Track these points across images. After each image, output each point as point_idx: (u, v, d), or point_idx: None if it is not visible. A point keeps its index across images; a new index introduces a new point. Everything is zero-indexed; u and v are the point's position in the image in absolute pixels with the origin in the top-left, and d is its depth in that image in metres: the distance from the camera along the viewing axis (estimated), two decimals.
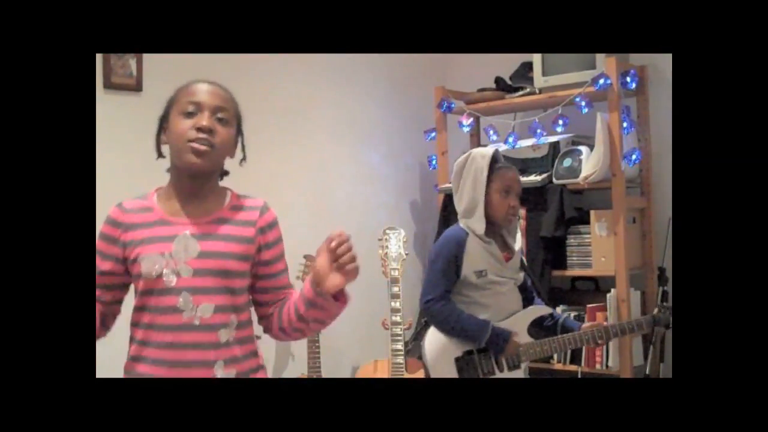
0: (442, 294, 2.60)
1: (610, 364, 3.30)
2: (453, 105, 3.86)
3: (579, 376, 3.34)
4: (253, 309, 1.85)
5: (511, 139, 3.70)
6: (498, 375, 2.60)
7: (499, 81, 3.83)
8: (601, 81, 3.31)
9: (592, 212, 3.41)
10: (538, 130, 3.58)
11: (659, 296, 3.25)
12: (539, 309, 2.74)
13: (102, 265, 1.78)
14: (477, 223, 2.62)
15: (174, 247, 1.71)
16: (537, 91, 3.63)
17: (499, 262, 2.64)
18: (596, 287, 3.58)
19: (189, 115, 1.73)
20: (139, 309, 1.75)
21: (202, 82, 1.78)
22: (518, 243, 2.77)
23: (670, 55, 1.88)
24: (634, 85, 3.40)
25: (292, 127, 3.59)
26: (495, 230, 2.67)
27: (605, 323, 2.73)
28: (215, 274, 1.71)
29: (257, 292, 1.82)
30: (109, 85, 2.95)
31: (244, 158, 1.88)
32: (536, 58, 3.63)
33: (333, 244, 1.66)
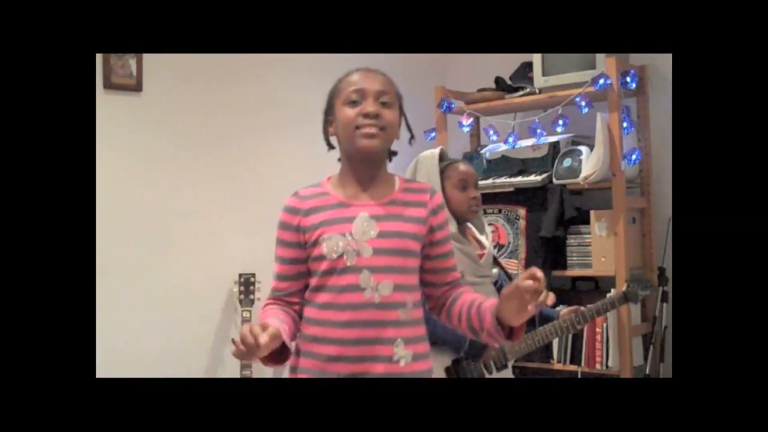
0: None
1: (610, 364, 3.30)
2: (453, 105, 3.85)
3: (579, 376, 3.34)
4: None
5: (511, 139, 3.70)
6: (488, 377, 2.59)
7: (499, 81, 3.82)
8: (601, 81, 3.30)
9: (592, 212, 3.41)
10: (538, 130, 3.58)
11: (659, 296, 3.26)
12: None
13: (286, 253, 1.81)
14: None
15: (354, 227, 1.75)
16: (537, 91, 3.63)
17: (474, 261, 2.63)
18: (596, 287, 3.58)
19: (353, 103, 1.77)
20: (316, 289, 1.77)
21: (361, 70, 1.83)
22: (488, 237, 2.76)
23: (670, 55, 1.88)
24: (634, 85, 3.40)
25: (291, 127, 3.59)
26: (463, 228, 2.66)
27: (581, 308, 2.75)
28: (394, 253, 1.75)
29: (426, 272, 1.85)
30: (109, 85, 2.95)
31: (412, 137, 1.92)
32: (536, 58, 3.63)
33: (531, 284, 1.60)
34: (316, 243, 1.75)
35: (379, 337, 1.72)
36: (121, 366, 2.81)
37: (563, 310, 2.74)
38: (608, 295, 3.00)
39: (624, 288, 2.86)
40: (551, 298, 1.89)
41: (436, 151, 2.68)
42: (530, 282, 1.58)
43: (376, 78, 1.81)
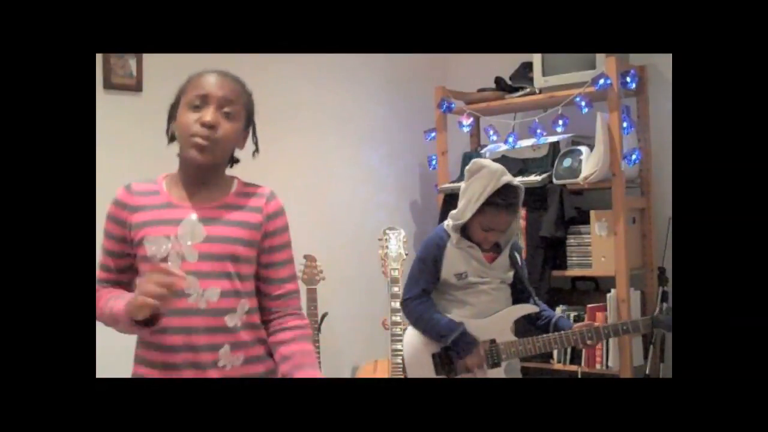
0: (419, 293, 2.64)
1: (610, 364, 3.30)
2: (453, 105, 3.86)
3: (579, 376, 3.34)
4: None
5: (511, 139, 3.70)
6: (477, 374, 2.59)
7: (499, 81, 3.83)
8: (601, 81, 3.31)
9: (592, 212, 3.41)
10: (538, 130, 3.58)
11: (659, 296, 3.25)
12: (524, 308, 2.70)
13: (111, 246, 1.79)
14: (454, 232, 2.62)
15: (180, 230, 1.71)
16: (537, 91, 3.63)
17: (480, 263, 2.63)
18: (596, 287, 3.58)
19: (195, 108, 1.73)
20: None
21: (212, 73, 1.78)
22: (507, 245, 2.70)
23: (670, 55, 1.88)
24: (634, 85, 3.40)
25: (292, 127, 3.59)
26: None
27: (596, 324, 2.67)
28: (221, 259, 1.71)
29: (260, 280, 1.81)
30: (109, 85, 2.95)
31: (256, 150, 1.87)
32: (536, 58, 3.63)
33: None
34: (140, 242, 1.72)
35: (205, 344, 1.69)
36: (121, 366, 2.81)
37: (577, 324, 2.64)
38: (642, 317, 2.75)
39: (656, 312, 2.66)
40: None
41: (505, 179, 2.54)
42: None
43: (225, 85, 1.75)
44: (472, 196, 2.57)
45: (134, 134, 3.04)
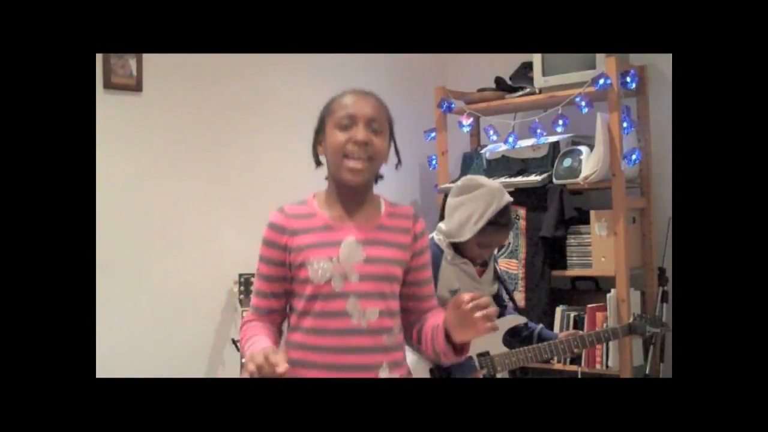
0: None
1: (610, 364, 3.30)
2: (453, 105, 3.85)
3: (579, 376, 3.34)
4: None
5: (511, 139, 3.70)
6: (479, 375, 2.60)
7: (499, 81, 3.82)
8: (601, 81, 3.30)
9: (592, 212, 3.41)
10: (538, 130, 3.58)
11: (659, 296, 3.25)
12: (513, 319, 2.75)
13: (270, 271, 1.79)
14: (448, 249, 2.62)
15: (341, 252, 1.73)
16: (537, 91, 3.63)
17: (473, 279, 2.64)
18: (596, 287, 3.58)
19: (344, 128, 1.75)
20: (302, 313, 1.75)
21: (355, 93, 1.81)
22: (491, 257, 2.73)
23: (670, 55, 1.88)
24: (634, 85, 3.40)
25: (292, 127, 3.58)
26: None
27: (580, 332, 2.72)
28: (380, 279, 1.74)
29: (404, 298, 1.84)
30: (109, 85, 2.95)
31: (399, 162, 1.88)
32: (536, 58, 3.63)
33: (464, 307, 1.64)
34: (301, 265, 1.73)
35: (366, 364, 1.72)
36: (121, 366, 2.81)
37: (563, 333, 2.72)
38: (619, 325, 2.86)
39: (631, 319, 2.80)
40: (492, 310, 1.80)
41: (506, 200, 2.55)
42: (468, 296, 1.61)
43: (369, 103, 1.79)
44: (471, 215, 2.54)
45: (134, 134, 3.04)
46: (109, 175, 2.88)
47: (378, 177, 1.85)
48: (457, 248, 2.61)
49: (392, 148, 1.86)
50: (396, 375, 1.76)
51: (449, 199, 2.67)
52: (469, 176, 2.69)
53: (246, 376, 1.56)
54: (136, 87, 3.03)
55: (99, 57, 2.91)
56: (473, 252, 2.60)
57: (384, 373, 1.73)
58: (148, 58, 3.05)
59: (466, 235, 2.55)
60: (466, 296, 1.63)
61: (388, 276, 1.75)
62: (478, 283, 2.65)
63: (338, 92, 1.83)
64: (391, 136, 1.85)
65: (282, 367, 1.53)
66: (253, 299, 1.82)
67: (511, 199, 2.58)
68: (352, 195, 1.79)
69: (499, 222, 2.54)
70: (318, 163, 1.86)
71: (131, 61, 3.01)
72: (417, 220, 1.85)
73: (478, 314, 1.61)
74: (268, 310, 1.81)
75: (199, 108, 3.24)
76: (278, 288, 1.79)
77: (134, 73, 3.02)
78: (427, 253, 1.86)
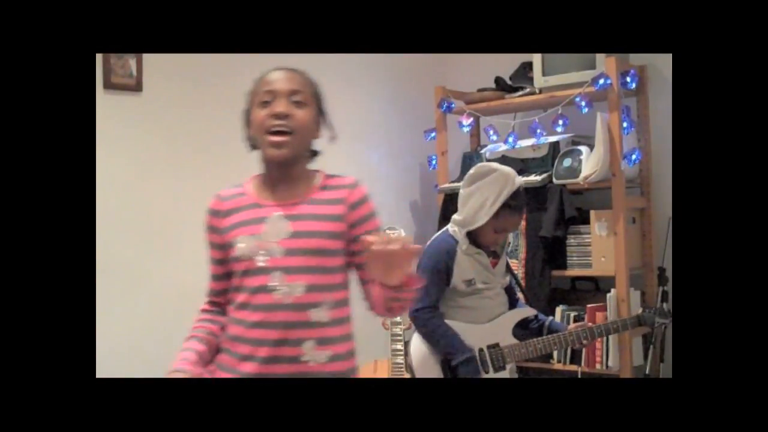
0: (430, 304, 2.61)
1: (610, 364, 3.30)
2: (453, 105, 3.86)
3: (579, 376, 3.34)
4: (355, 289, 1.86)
5: (511, 139, 3.70)
6: (483, 376, 2.60)
7: (499, 81, 3.83)
8: (601, 81, 3.30)
9: (592, 212, 3.41)
10: (538, 130, 3.58)
11: (659, 296, 3.25)
12: (523, 311, 2.75)
13: (214, 254, 1.85)
14: (463, 239, 2.62)
15: (265, 228, 1.75)
16: (537, 91, 3.63)
17: (487, 269, 2.64)
18: (596, 287, 3.58)
19: (266, 104, 1.76)
20: (235, 289, 1.78)
21: (276, 69, 1.81)
22: (504, 248, 2.75)
23: (670, 55, 1.88)
24: (634, 85, 3.40)
25: None
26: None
27: (589, 324, 2.71)
28: (307, 253, 1.73)
29: (356, 268, 1.82)
30: (109, 85, 2.95)
31: (333, 136, 1.87)
32: (536, 58, 3.63)
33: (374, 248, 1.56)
34: (231, 244, 1.77)
35: (287, 338, 1.70)
36: (121, 366, 2.81)
37: (572, 325, 2.71)
38: (629, 317, 2.82)
39: (640, 311, 2.78)
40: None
41: (519, 182, 2.58)
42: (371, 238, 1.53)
43: (291, 77, 1.78)
44: (485, 199, 2.56)
45: (134, 134, 3.04)
46: (109, 175, 2.87)
47: (314, 153, 1.84)
48: (472, 237, 2.62)
49: (326, 122, 1.85)
50: (323, 353, 1.72)
51: (462, 190, 2.67)
52: (479, 164, 2.70)
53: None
54: (136, 87, 3.03)
55: (99, 57, 2.91)
56: (489, 238, 2.61)
57: (308, 348, 1.70)
58: (148, 58, 3.05)
59: (482, 220, 2.56)
60: (370, 238, 1.55)
61: (317, 249, 1.74)
62: (492, 273, 2.65)
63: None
64: (321, 110, 1.84)
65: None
66: (209, 283, 1.88)
67: (523, 181, 2.60)
68: (280, 172, 1.79)
69: (514, 204, 2.57)
70: (253, 147, 1.84)
71: (131, 61, 3.01)
72: (354, 189, 1.81)
73: (392, 245, 1.52)
74: (219, 291, 1.85)
75: (199, 108, 3.24)
76: (223, 269, 1.83)
77: (134, 73, 3.02)
78: (371, 221, 1.81)
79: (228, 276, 1.82)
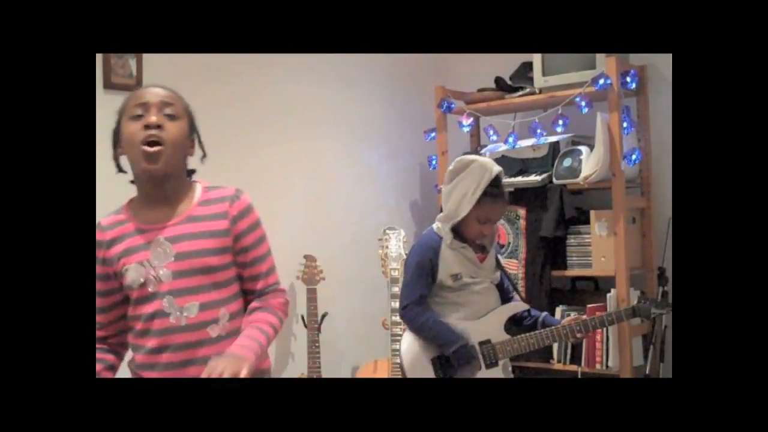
0: (418, 299, 2.62)
1: (610, 364, 3.30)
2: (453, 105, 3.85)
3: (579, 376, 3.34)
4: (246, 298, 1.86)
5: (511, 139, 3.70)
6: (477, 371, 2.61)
7: (499, 81, 3.82)
8: (601, 81, 3.30)
9: (592, 212, 3.41)
10: (538, 130, 3.58)
11: (659, 296, 3.25)
12: (515, 306, 2.74)
13: (100, 286, 1.80)
14: (447, 234, 2.62)
15: (151, 253, 1.73)
16: (537, 91, 3.63)
17: (473, 264, 2.64)
18: (596, 287, 3.58)
19: (138, 117, 1.73)
20: (132, 318, 1.78)
21: (147, 86, 1.81)
22: (492, 243, 2.75)
23: (670, 55, 1.88)
24: (634, 85, 3.40)
25: (292, 127, 3.59)
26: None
27: (583, 317, 2.68)
28: (195, 273, 1.73)
29: (242, 280, 1.83)
30: (109, 85, 2.95)
31: (204, 155, 1.87)
32: (536, 58, 3.63)
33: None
34: (120, 274, 1.75)
35: (191, 359, 1.71)
36: (121, 366, 2.81)
37: (566, 319, 2.66)
38: (623, 308, 2.77)
39: (636, 302, 2.70)
40: None
41: (496, 170, 2.58)
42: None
43: (162, 91, 1.77)
44: (466, 191, 2.57)
45: None
46: (109, 175, 2.87)
47: (190, 172, 1.83)
48: (458, 232, 2.62)
49: (197, 141, 1.86)
50: None
51: (443, 188, 2.68)
52: (457, 158, 2.68)
53: None
54: (136, 87, 3.03)
55: (99, 57, 2.91)
56: (473, 229, 2.60)
57: None
58: (148, 58, 3.05)
59: (465, 210, 2.56)
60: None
61: (203, 268, 1.73)
62: (479, 268, 2.65)
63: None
64: (193, 126, 1.83)
65: None
66: (96, 317, 1.81)
67: (501, 168, 2.62)
68: (157, 191, 1.77)
69: (494, 193, 2.58)
70: (119, 169, 1.83)
71: (131, 61, 3.01)
72: (235, 201, 1.80)
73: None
74: (104, 324, 1.82)
75: (199, 108, 3.23)
76: (109, 301, 1.80)
77: (134, 73, 3.02)
78: (255, 231, 1.82)
79: (113, 307, 1.81)
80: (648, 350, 3.30)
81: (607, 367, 3.31)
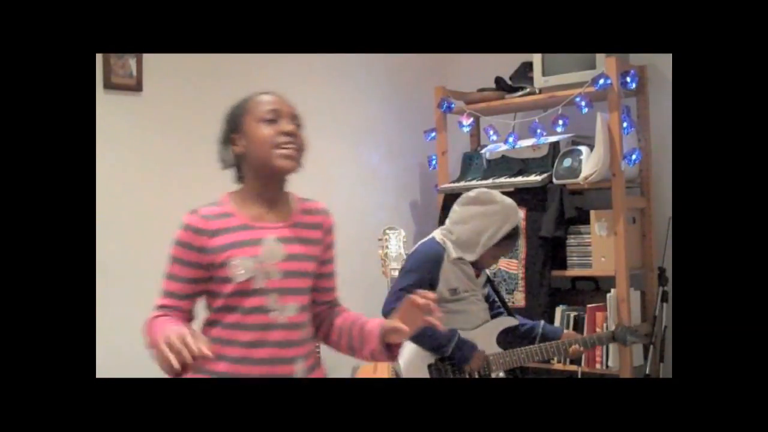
0: None
1: (610, 364, 3.30)
2: (453, 105, 3.85)
3: (579, 376, 3.34)
4: None
5: (511, 139, 3.70)
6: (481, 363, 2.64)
7: (499, 81, 3.82)
8: (601, 81, 3.30)
9: (592, 212, 3.41)
10: (538, 130, 3.58)
11: (659, 296, 3.26)
12: (507, 320, 2.82)
13: (184, 272, 1.80)
14: (452, 249, 2.66)
15: (263, 250, 1.77)
16: (537, 91, 3.63)
17: (471, 280, 2.71)
18: (596, 287, 3.58)
19: (270, 122, 1.81)
20: (222, 309, 1.77)
21: (271, 92, 1.91)
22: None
23: (670, 55, 1.88)
24: (634, 85, 3.40)
25: None
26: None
27: (570, 339, 2.83)
28: (300, 276, 1.80)
29: (314, 291, 1.89)
30: (109, 85, 2.95)
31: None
32: (536, 58, 3.63)
33: (421, 302, 1.73)
34: (222, 265, 1.75)
35: (282, 357, 1.76)
36: (121, 366, 2.81)
37: (565, 333, 2.87)
38: (604, 332, 3.07)
39: (614, 329, 2.95)
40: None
41: (519, 218, 2.72)
42: (422, 300, 1.71)
43: (289, 102, 1.88)
44: (485, 229, 2.64)
45: (134, 134, 3.04)
46: (109, 175, 2.88)
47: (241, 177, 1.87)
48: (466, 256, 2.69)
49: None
50: (307, 366, 1.80)
51: (460, 207, 2.72)
52: (484, 190, 2.77)
53: (158, 355, 1.55)
54: (136, 87, 3.03)
55: (99, 57, 2.91)
56: (485, 263, 2.74)
57: (299, 366, 1.77)
58: (148, 58, 3.05)
59: (477, 253, 2.66)
60: (419, 298, 1.72)
61: (305, 272, 1.82)
62: (474, 284, 2.72)
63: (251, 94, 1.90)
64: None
65: (205, 350, 1.52)
66: (161, 299, 1.80)
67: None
68: (271, 191, 1.84)
69: (512, 235, 2.71)
70: (225, 166, 1.88)
71: (131, 61, 3.01)
72: (327, 216, 1.92)
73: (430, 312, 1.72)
74: (176, 309, 1.80)
75: (199, 108, 3.24)
76: (190, 289, 1.80)
77: (134, 73, 3.02)
78: (334, 248, 1.94)
79: (192, 296, 1.81)
80: (648, 350, 3.30)
81: (607, 367, 3.31)
